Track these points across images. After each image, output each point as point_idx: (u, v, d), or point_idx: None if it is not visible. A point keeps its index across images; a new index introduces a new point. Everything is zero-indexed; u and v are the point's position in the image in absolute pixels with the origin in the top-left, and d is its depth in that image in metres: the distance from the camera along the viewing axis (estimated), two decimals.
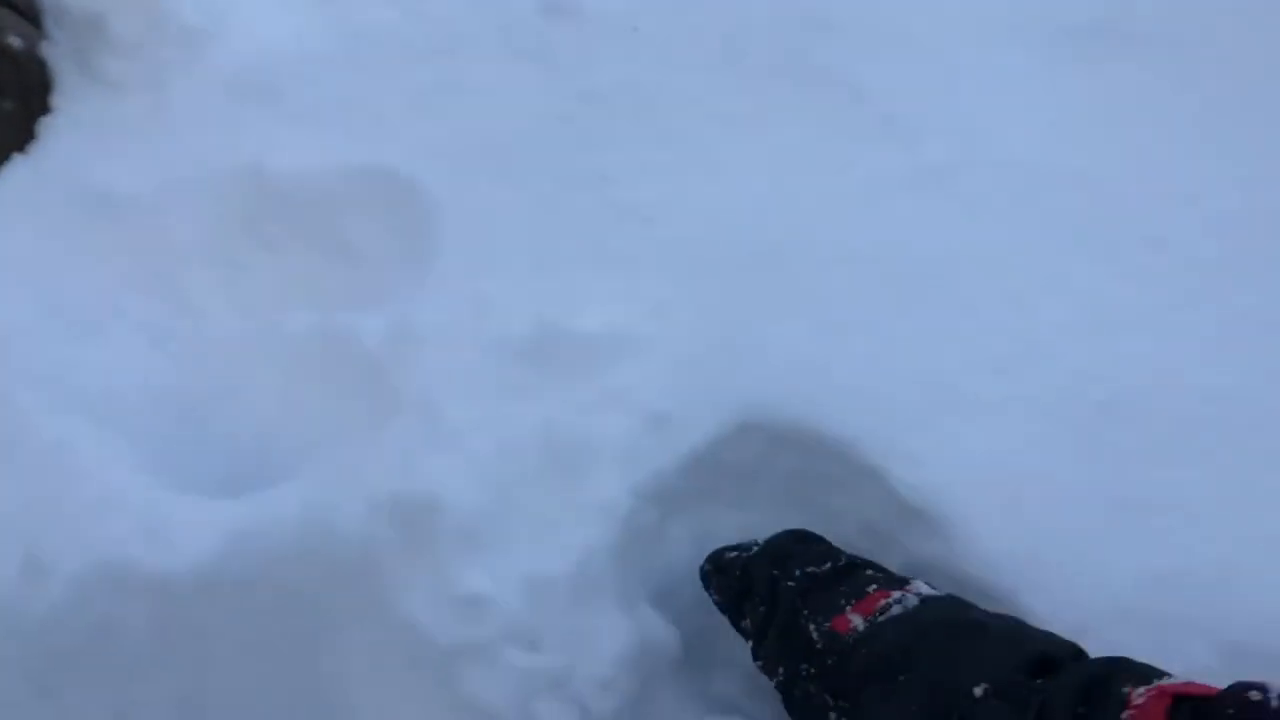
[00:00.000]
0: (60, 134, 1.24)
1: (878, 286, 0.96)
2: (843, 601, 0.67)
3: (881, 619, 0.65)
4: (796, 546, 0.73)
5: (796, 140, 1.13)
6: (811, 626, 0.67)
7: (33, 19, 1.29)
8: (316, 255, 1.13)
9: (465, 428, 0.81)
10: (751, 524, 0.80)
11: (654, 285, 0.94)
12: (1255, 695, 0.53)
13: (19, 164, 1.22)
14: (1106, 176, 1.09)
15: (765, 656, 0.69)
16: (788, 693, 0.67)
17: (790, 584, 0.70)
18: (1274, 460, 0.85)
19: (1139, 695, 0.56)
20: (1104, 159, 1.12)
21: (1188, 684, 0.57)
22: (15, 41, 1.25)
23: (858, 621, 0.66)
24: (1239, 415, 0.88)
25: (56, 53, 1.29)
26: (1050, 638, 0.65)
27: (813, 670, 0.65)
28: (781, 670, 0.67)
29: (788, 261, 0.98)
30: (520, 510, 0.76)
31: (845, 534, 0.83)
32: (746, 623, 0.72)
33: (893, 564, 0.82)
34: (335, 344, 0.97)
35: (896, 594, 0.67)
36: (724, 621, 0.73)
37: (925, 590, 0.69)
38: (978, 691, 0.59)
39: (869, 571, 0.72)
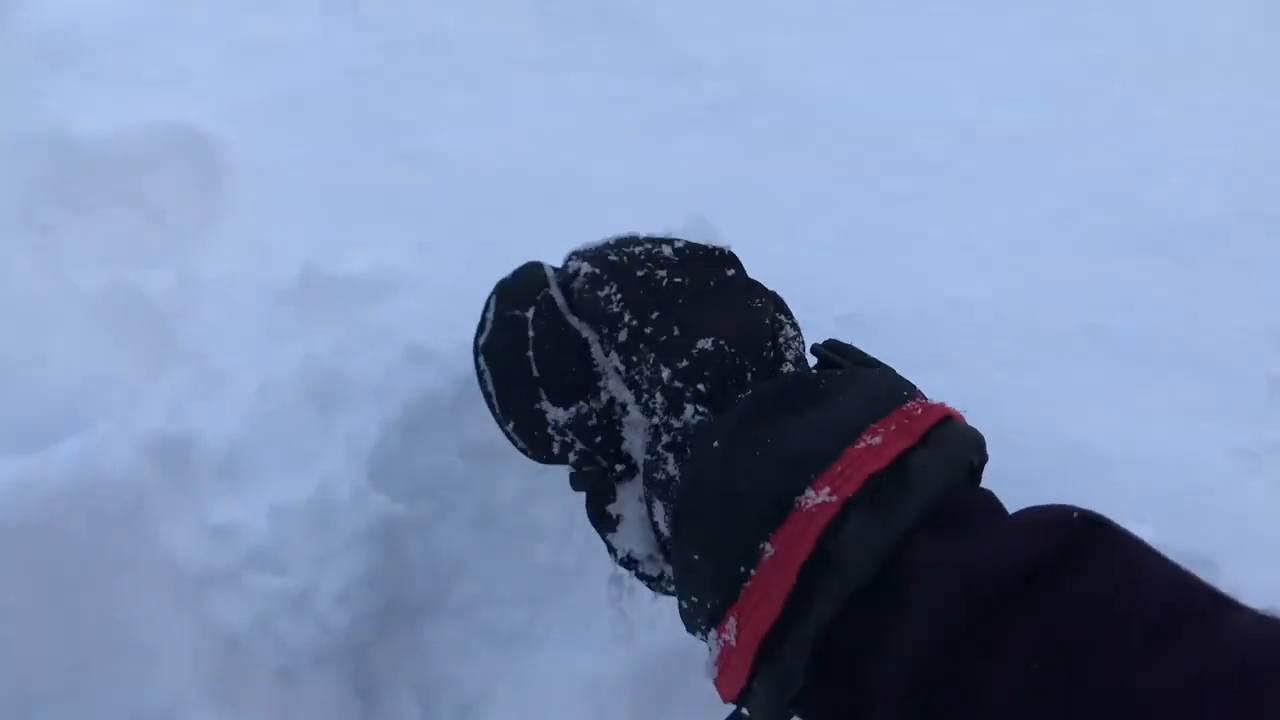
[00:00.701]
0: None
1: (650, 220, 0.99)
2: None
3: None
4: None
5: (591, 83, 1.17)
6: None
7: None
8: (121, 214, 1.14)
9: (230, 370, 0.84)
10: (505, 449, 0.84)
11: (428, 227, 0.97)
12: None
13: None
14: (885, 106, 1.15)
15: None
16: None
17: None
18: (1006, 360, 0.91)
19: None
20: (885, 90, 1.17)
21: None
22: None
23: None
24: (978, 321, 0.93)
25: None
26: None
27: None
28: None
29: (564, 200, 1.02)
30: (274, 444, 0.79)
31: None
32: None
33: None
34: (125, 299, 0.99)
35: None
36: (464, 538, 0.78)
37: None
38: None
39: None
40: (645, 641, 0.79)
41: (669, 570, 0.55)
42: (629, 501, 0.57)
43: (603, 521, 0.58)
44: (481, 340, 0.58)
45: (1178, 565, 0.38)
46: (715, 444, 0.47)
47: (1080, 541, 0.38)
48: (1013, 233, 1.03)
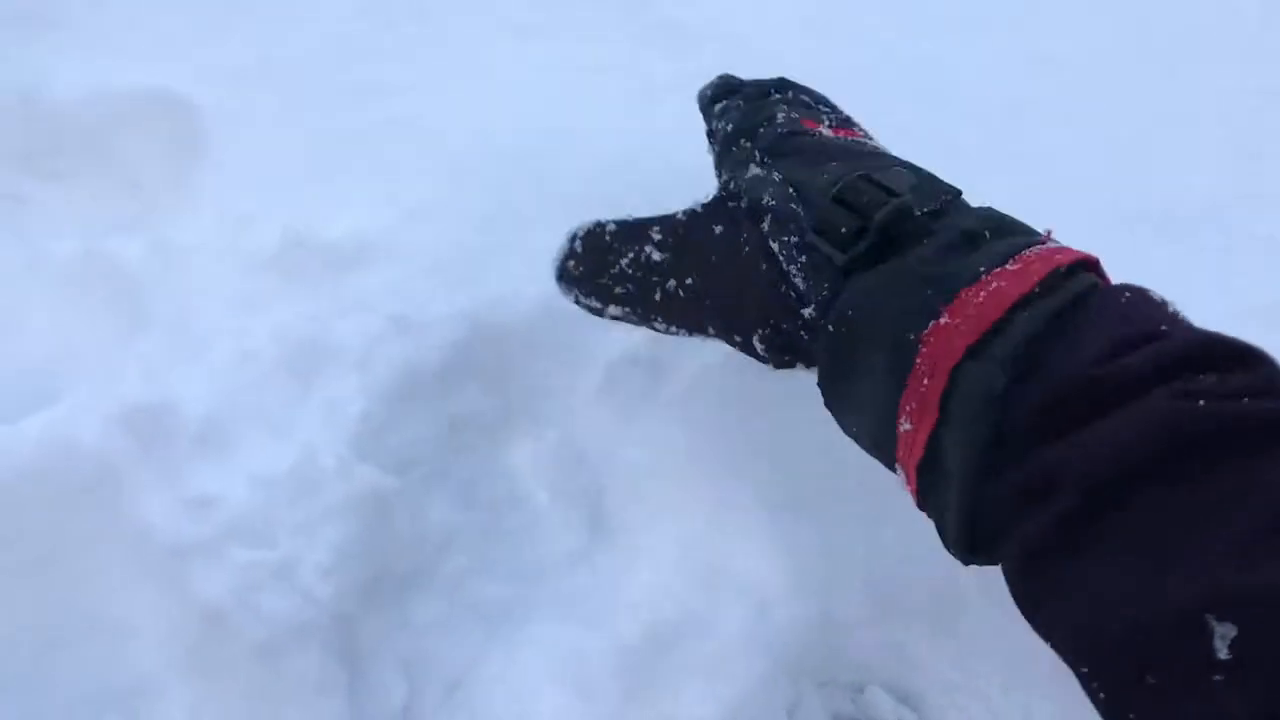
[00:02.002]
0: None
1: (632, 189, 0.97)
2: (824, 120, 0.66)
3: (845, 137, 0.63)
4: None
5: (575, 48, 1.14)
6: (780, 114, 0.65)
7: None
8: (94, 181, 1.11)
9: (207, 339, 0.82)
10: (495, 412, 0.83)
11: (411, 193, 0.94)
12: (1156, 296, 0.48)
13: None
14: (878, 76, 1.12)
15: (720, 118, 0.69)
16: (724, 149, 0.66)
17: (778, 94, 0.69)
18: None
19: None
20: (878, 61, 1.15)
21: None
22: None
23: (827, 132, 0.64)
24: None
25: None
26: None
27: (760, 131, 0.63)
28: (729, 126, 0.66)
29: (552, 167, 0.99)
30: (253, 413, 0.76)
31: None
32: (719, 106, 0.70)
33: None
34: (99, 267, 0.96)
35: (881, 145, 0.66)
36: (451, 510, 0.76)
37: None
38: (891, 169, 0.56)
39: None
40: (633, 619, 0.78)
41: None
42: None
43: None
44: None
45: None
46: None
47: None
48: (1005, 208, 1.01)
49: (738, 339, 0.60)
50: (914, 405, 0.46)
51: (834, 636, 0.81)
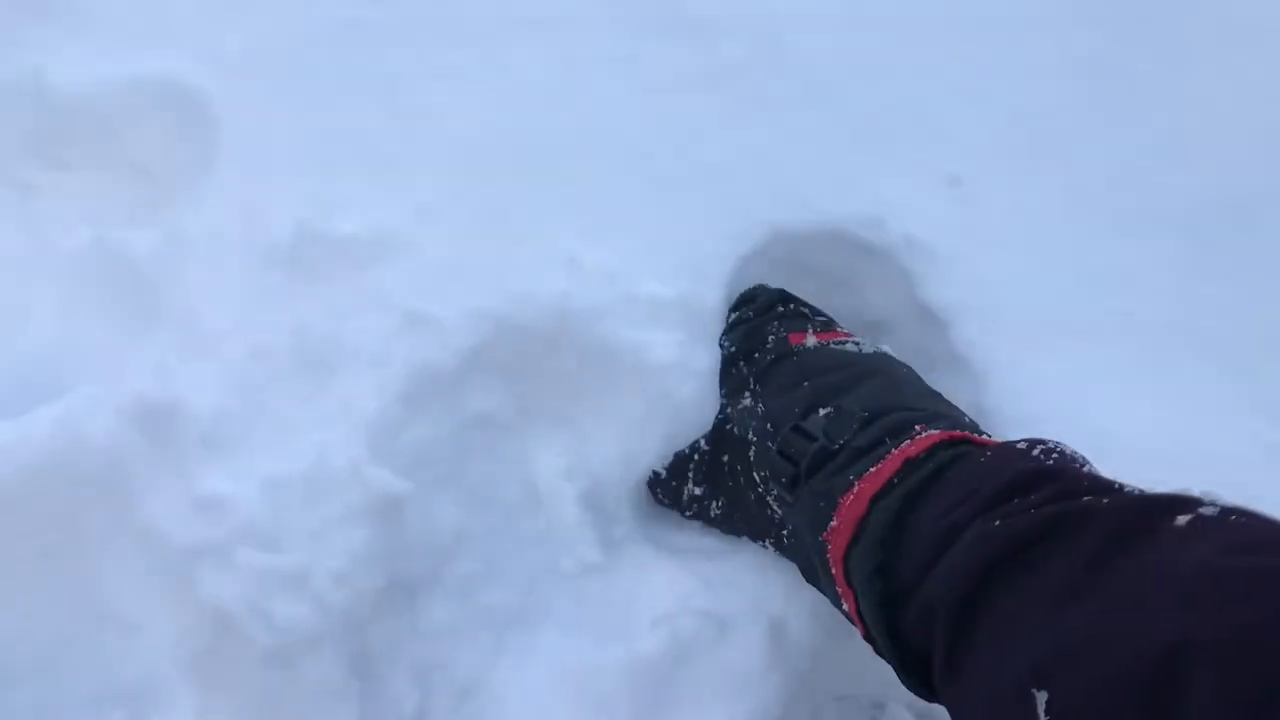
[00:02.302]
0: None
1: (650, 185, 0.96)
2: (809, 327, 0.81)
3: (832, 346, 0.78)
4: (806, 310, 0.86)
5: (595, 42, 1.12)
6: (771, 337, 0.80)
7: None
8: (104, 171, 1.09)
9: (219, 334, 0.80)
10: (512, 412, 0.81)
11: (426, 187, 0.92)
12: (1022, 444, 0.60)
13: None
14: (904, 74, 1.10)
15: (728, 335, 0.84)
16: (725, 369, 0.82)
17: (780, 309, 0.84)
18: (1030, 347, 0.88)
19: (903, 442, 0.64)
20: (905, 59, 1.12)
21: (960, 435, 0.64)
22: None
23: (811, 341, 0.79)
24: (999, 304, 0.90)
25: None
26: (937, 411, 0.70)
27: (754, 356, 0.80)
28: (732, 348, 0.83)
29: (567, 163, 0.97)
30: (265, 412, 0.75)
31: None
32: (734, 315, 0.86)
33: None
34: (108, 260, 0.95)
35: (859, 339, 0.80)
36: (464, 514, 0.74)
37: (886, 349, 0.80)
38: (821, 411, 0.70)
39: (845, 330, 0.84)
40: (649, 631, 0.76)
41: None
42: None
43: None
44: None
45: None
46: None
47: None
48: (1032, 210, 0.99)
49: (763, 544, 0.78)
50: (840, 590, 0.62)
51: (853, 652, 0.80)
